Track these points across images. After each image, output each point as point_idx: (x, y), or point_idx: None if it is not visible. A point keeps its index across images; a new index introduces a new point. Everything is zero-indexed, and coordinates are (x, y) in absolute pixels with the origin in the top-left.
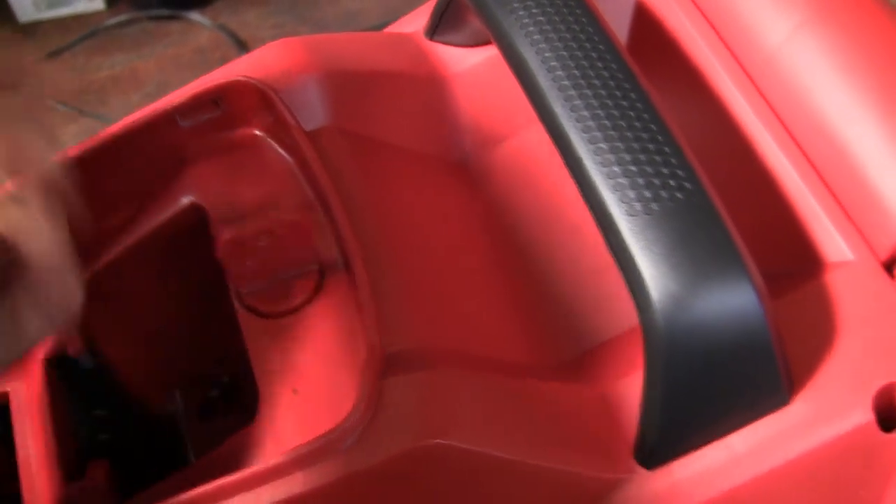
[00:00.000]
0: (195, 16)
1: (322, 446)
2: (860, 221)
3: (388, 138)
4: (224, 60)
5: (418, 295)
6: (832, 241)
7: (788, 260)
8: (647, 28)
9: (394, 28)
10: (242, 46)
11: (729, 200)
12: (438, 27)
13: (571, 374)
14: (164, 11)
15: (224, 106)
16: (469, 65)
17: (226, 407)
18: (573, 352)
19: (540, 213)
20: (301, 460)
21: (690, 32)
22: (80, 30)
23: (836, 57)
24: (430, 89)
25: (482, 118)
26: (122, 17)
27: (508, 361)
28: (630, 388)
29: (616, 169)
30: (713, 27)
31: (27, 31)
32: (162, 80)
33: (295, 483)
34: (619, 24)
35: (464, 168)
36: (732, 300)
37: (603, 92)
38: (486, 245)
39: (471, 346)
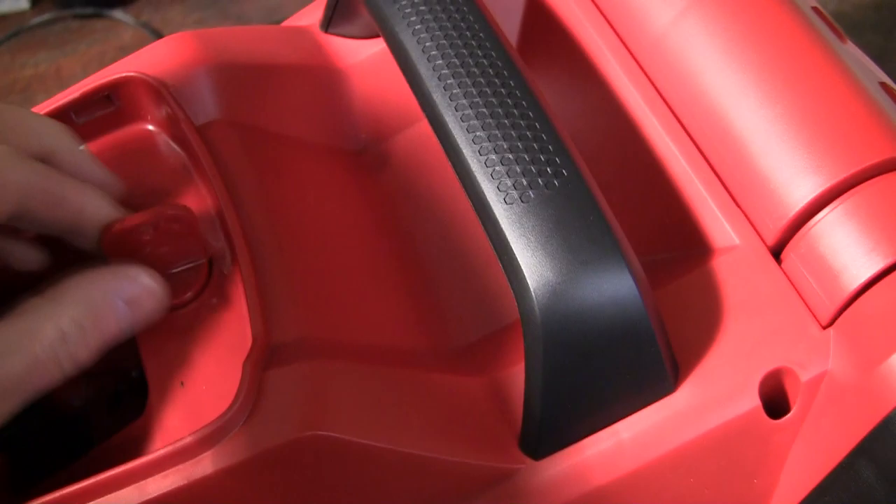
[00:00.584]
0: (118, 14)
1: (202, 438)
2: (746, 206)
3: (282, 130)
4: None
5: (307, 286)
6: (719, 226)
7: (675, 246)
8: (535, 13)
9: (291, 22)
10: None
11: (615, 187)
12: (332, 20)
13: (461, 364)
14: (88, 10)
15: (117, 101)
16: (362, 57)
17: (134, 401)
18: (464, 342)
19: (432, 204)
20: (183, 451)
21: (579, 18)
22: (5, 29)
23: (721, 39)
24: (324, 81)
25: (376, 110)
26: (47, 16)
27: (397, 351)
28: (517, 378)
29: (493, 157)
30: (601, 12)
31: None
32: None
33: (177, 474)
34: (507, 10)
35: (359, 159)
36: (610, 287)
37: (482, 80)
38: (379, 235)
39: (359, 336)
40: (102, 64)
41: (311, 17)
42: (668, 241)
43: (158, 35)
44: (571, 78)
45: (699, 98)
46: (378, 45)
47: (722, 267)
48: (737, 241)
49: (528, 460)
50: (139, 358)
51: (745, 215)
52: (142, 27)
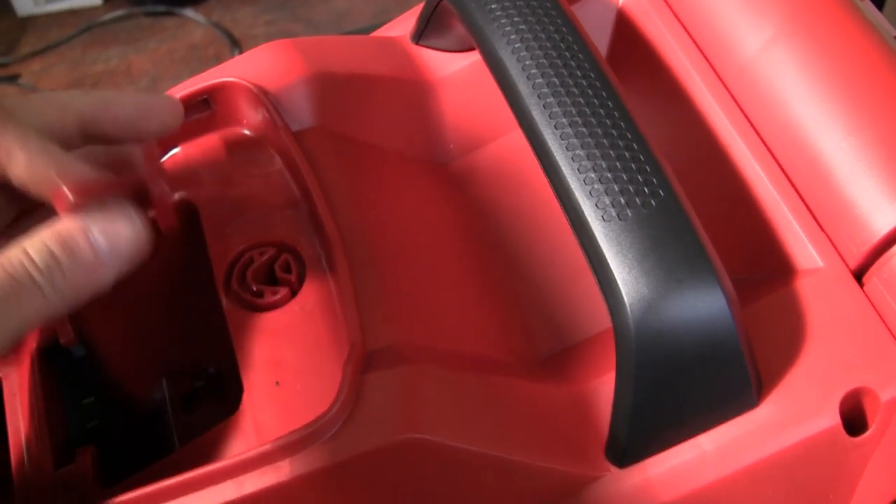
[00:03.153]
0: (189, 12)
1: (303, 437)
2: (831, 230)
3: (374, 140)
4: (217, 57)
5: (399, 293)
6: (803, 248)
7: (760, 267)
8: (626, 36)
9: (382, 32)
10: (235, 43)
11: (702, 208)
12: (424, 32)
13: (547, 373)
14: (160, 7)
15: (215, 105)
16: (453, 70)
17: (210, 398)
18: (549, 352)
19: (520, 216)
20: (282, 450)
21: (668, 41)
22: (77, 24)
23: (810, 68)
24: (415, 93)
25: (465, 122)
26: (119, 13)
27: (486, 359)
28: (603, 389)
29: (592, 175)
30: (691, 36)
31: (26, 24)
32: (155, 75)
33: (276, 472)
34: (598, 31)
35: (447, 170)
36: (702, 304)
37: (581, 100)
38: (466, 245)
39: (449, 344)
40: (173, 61)
41: (401, 28)
42: (753, 262)
43: (229, 35)
44: (658, 98)
45: (786, 123)
46: (467, 59)
47: (805, 288)
48: (820, 263)
49: (613, 468)
50: (217, 356)
51: (829, 239)
52: (212, 26)
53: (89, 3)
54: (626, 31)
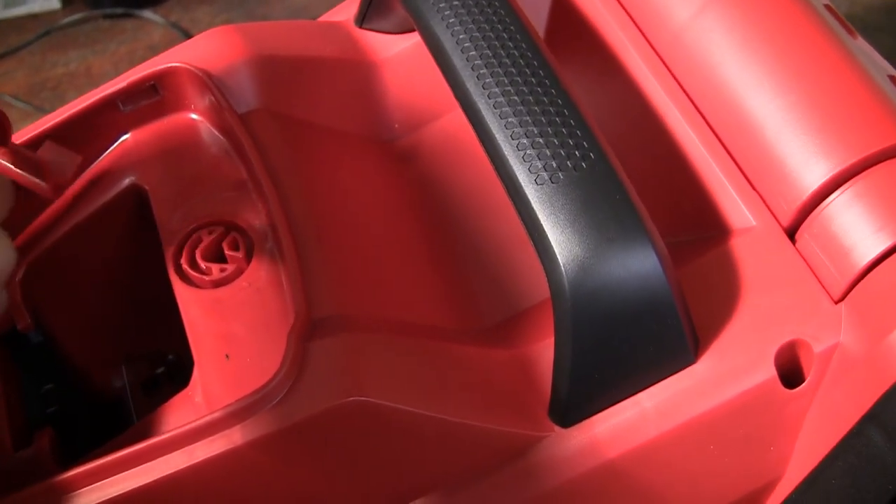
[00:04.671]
0: (148, 14)
1: (250, 404)
2: (763, 190)
3: (319, 120)
4: None
5: (345, 265)
6: (736, 208)
7: (695, 228)
8: (563, 10)
9: (326, 17)
10: None
11: (636, 171)
12: (367, 15)
13: (495, 339)
14: (118, 10)
15: (162, 91)
16: (396, 51)
17: (171, 384)
18: (494, 320)
19: (463, 190)
20: (231, 417)
21: (602, 14)
22: (36, 28)
23: (738, 33)
24: (359, 74)
25: (409, 101)
26: (77, 16)
27: (431, 327)
28: (544, 352)
29: (524, 141)
30: (624, 9)
31: None
32: (116, 76)
33: (225, 439)
34: (535, 8)
35: (392, 148)
36: (634, 262)
37: (513, 70)
38: (412, 219)
39: (395, 312)
40: (133, 63)
41: (345, 13)
42: (688, 224)
43: (187, 35)
44: (595, 70)
45: (717, 88)
46: (410, 41)
47: (739, 246)
48: (753, 222)
49: (557, 428)
50: (175, 342)
51: (761, 198)
52: (171, 27)
53: (48, 8)
54: (562, 6)
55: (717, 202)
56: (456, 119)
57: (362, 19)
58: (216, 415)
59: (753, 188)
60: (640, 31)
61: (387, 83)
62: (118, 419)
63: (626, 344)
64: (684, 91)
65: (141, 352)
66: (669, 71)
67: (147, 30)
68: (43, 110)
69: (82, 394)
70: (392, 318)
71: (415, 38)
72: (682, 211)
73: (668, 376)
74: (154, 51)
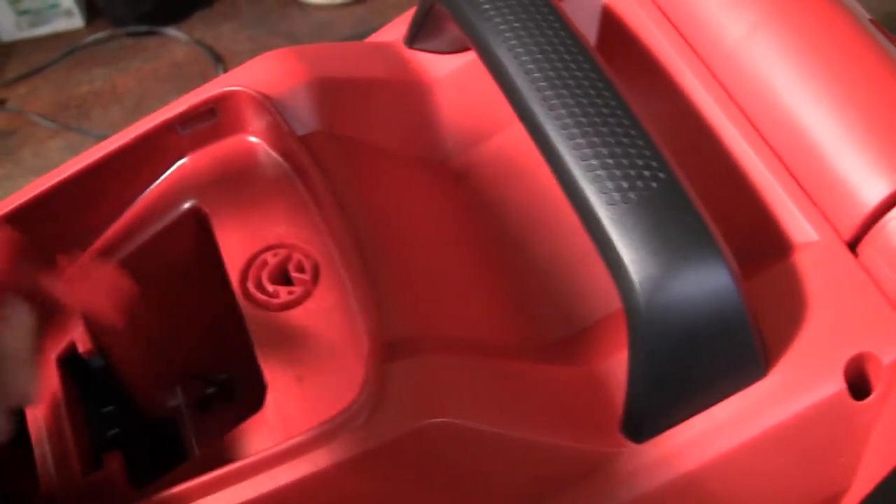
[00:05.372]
0: (171, 31)
1: (334, 427)
2: (823, 204)
3: (375, 141)
4: (200, 73)
5: (411, 286)
6: (798, 223)
7: (758, 243)
8: (614, 30)
9: (375, 38)
10: (218, 60)
11: (698, 189)
12: (417, 36)
13: (561, 356)
14: (142, 28)
15: (220, 114)
16: (447, 70)
17: (222, 403)
18: (561, 335)
19: (521, 207)
20: (313, 442)
21: (654, 32)
22: (60, 47)
23: (792, 51)
24: (413, 94)
25: (462, 120)
26: (101, 34)
27: (500, 345)
28: (616, 368)
29: (594, 162)
30: (675, 27)
31: (10, 49)
32: (140, 94)
33: (308, 463)
34: (586, 27)
35: (447, 167)
36: (708, 280)
37: (578, 91)
38: (472, 237)
39: (463, 332)
40: (157, 80)
41: (393, 33)
42: (751, 239)
43: (212, 51)
44: (647, 88)
45: (773, 104)
46: (459, 60)
47: (803, 261)
48: (815, 236)
49: (630, 444)
50: (229, 361)
51: (822, 213)
52: (194, 44)
53: (72, 27)
54: (612, 26)
55: (778, 217)
56: (509, 137)
57: (412, 40)
58: (300, 438)
59: (814, 203)
60: (692, 49)
61: (439, 103)
62: (173, 437)
63: (700, 360)
64: (740, 108)
65: (195, 371)
66: (723, 88)
67: (170, 47)
68: (69, 128)
69: (140, 414)
70: (460, 337)
71: (465, 58)
72: (743, 226)
73: (740, 390)
74: (178, 68)
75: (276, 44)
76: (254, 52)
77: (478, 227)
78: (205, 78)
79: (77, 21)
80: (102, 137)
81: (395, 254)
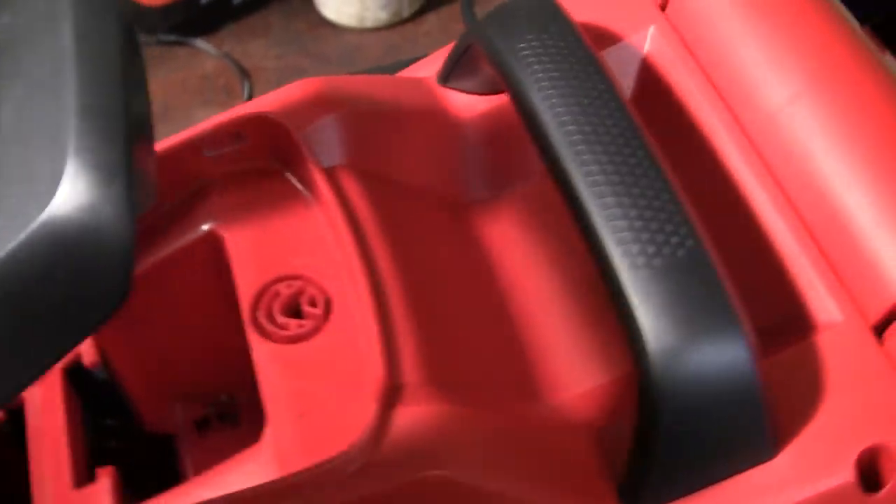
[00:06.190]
0: (201, 43)
1: (328, 470)
2: (851, 285)
3: (402, 178)
4: (228, 87)
5: (424, 328)
6: (823, 301)
7: (780, 317)
8: (651, 83)
9: (407, 73)
10: (246, 75)
11: (725, 258)
12: (451, 74)
13: (566, 414)
14: (172, 37)
15: (246, 139)
16: (479, 111)
17: (221, 424)
18: (568, 393)
19: (542, 258)
20: (306, 483)
21: (692, 89)
22: None
23: (834, 124)
24: (443, 133)
25: (492, 163)
26: None
27: (507, 398)
28: (621, 432)
29: (621, 223)
30: (714, 86)
31: None
32: (167, 103)
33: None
34: (624, 77)
35: (473, 210)
36: (726, 355)
37: (611, 148)
38: (490, 284)
39: (472, 380)
40: (185, 91)
41: (427, 69)
42: (773, 312)
43: (239, 66)
44: (681, 145)
45: (809, 177)
46: (491, 103)
47: (825, 342)
48: (840, 317)
49: None
50: (230, 383)
51: (850, 293)
52: (223, 58)
53: None
54: (650, 78)
55: (803, 293)
56: (535, 185)
57: (446, 78)
58: (293, 478)
59: (842, 283)
60: (730, 110)
61: (470, 144)
62: (169, 454)
63: (709, 435)
64: (774, 177)
65: (195, 391)
66: (759, 155)
67: (199, 59)
68: None
69: (139, 429)
70: (469, 387)
71: (497, 100)
72: (767, 299)
73: (746, 469)
74: (205, 80)
75: (305, 64)
76: (281, 71)
77: (496, 274)
78: (230, 92)
79: None
80: None
81: (410, 295)
